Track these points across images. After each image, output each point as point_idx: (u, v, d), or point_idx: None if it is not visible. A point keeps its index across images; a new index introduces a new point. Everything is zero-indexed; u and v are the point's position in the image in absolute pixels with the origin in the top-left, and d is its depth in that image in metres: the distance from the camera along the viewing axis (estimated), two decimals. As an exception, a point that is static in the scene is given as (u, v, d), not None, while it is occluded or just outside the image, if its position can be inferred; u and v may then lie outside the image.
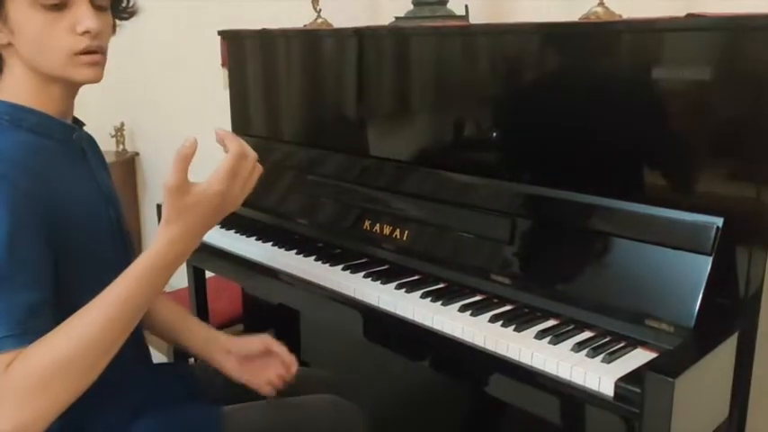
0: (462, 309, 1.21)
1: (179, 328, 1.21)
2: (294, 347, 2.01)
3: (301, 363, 1.96)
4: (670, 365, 0.91)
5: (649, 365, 0.94)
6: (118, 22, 1.06)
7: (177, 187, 0.87)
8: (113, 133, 3.06)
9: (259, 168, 0.95)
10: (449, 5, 1.60)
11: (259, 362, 1.19)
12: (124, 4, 1.05)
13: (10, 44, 0.94)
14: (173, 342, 1.24)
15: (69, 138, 1.00)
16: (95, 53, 0.96)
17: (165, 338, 1.24)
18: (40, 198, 0.88)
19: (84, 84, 0.98)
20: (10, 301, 0.84)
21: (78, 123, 1.05)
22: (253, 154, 0.94)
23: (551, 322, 1.16)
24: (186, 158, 0.87)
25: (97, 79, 0.97)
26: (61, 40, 0.93)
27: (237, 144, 0.93)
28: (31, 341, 0.83)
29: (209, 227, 0.92)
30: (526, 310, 1.21)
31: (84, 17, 0.93)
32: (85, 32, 0.93)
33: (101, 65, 0.98)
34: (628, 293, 1.09)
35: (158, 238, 0.88)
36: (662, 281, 1.06)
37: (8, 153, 0.89)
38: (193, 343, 1.20)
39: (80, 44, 0.94)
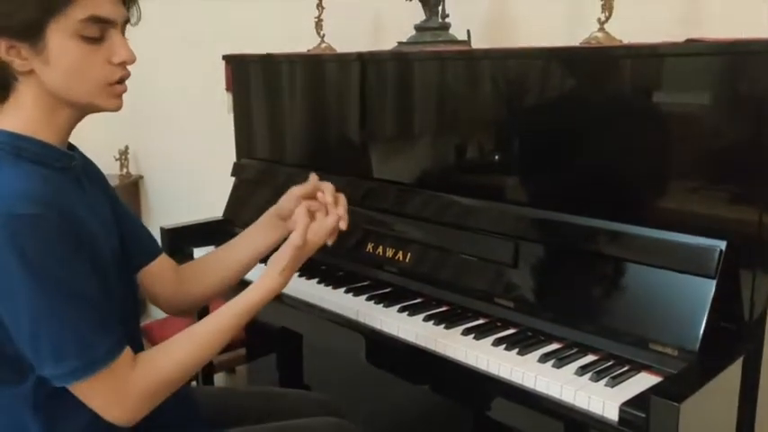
0: (465, 332, 1.21)
1: (223, 268, 1.23)
2: (297, 371, 2.01)
3: (303, 386, 1.97)
4: (675, 390, 0.90)
5: (654, 390, 0.93)
6: None
7: (301, 245, 1.06)
8: (117, 156, 3.07)
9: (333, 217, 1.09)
10: (451, 30, 1.62)
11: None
12: None
13: (31, 71, 0.93)
14: (233, 280, 1.24)
15: (68, 166, 0.99)
16: (123, 83, 0.98)
17: (227, 284, 1.24)
18: (68, 228, 0.90)
19: (106, 111, 0.99)
20: (97, 314, 0.91)
21: (72, 149, 1.04)
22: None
23: (555, 346, 1.15)
24: (308, 225, 1.08)
25: (120, 107, 1.00)
26: (98, 71, 0.94)
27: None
28: (125, 343, 0.94)
29: None
30: (529, 333, 1.20)
31: (121, 48, 0.95)
32: (122, 63, 0.96)
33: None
34: (631, 317, 1.09)
35: (274, 280, 1.05)
36: (666, 304, 1.06)
37: (27, 190, 0.89)
38: (247, 258, 1.22)
39: (116, 74, 0.96)
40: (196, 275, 1.22)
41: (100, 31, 0.93)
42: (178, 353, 0.98)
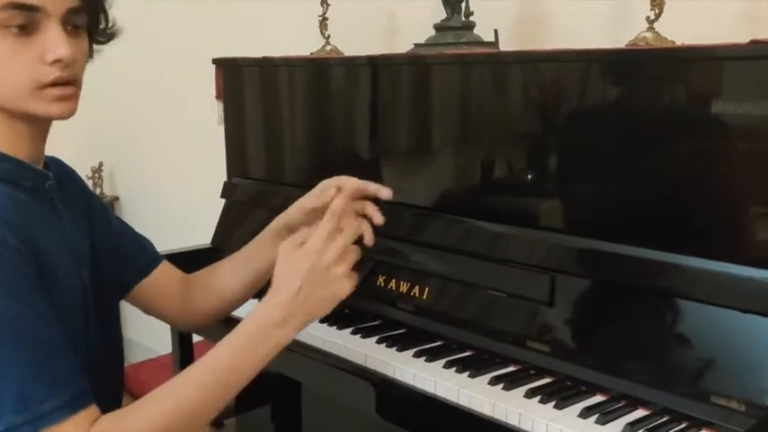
0: (493, 381, 1.20)
1: (236, 278, 1.26)
2: (294, 425, 1.99)
3: (303, 444, 1.95)
4: (742, 451, 0.89)
5: (717, 451, 0.92)
6: (95, 46, 1.06)
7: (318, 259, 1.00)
8: (90, 175, 3.11)
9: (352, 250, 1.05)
10: (476, 30, 1.63)
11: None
12: (102, 26, 1.04)
13: None
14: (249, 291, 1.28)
15: (41, 186, 1.00)
16: (67, 85, 0.95)
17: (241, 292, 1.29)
18: (29, 256, 0.90)
19: (52, 120, 0.98)
20: (50, 361, 0.89)
21: (47, 167, 1.04)
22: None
23: (598, 398, 1.14)
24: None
25: (68, 115, 0.97)
26: (26, 70, 0.91)
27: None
28: (89, 399, 0.91)
29: (311, 300, 1.01)
30: (568, 383, 1.19)
31: (55, 44, 0.91)
32: (56, 61, 0.92)
33: (74, 98, 0.97)
34: (689, 365, 1.08)
35: (261, 303, 1.01)
36: (730, 350, 1.05)
37: None
38: (264, 267, 1.24)
39: (49, 75, 0.92)
40: (205, 288, 1.26)
41: (28, 20, 0.90)
42: (152, 413, 0.93)
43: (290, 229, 1.20)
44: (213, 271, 1.29)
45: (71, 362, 0.91)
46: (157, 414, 0.93)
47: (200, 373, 0.96)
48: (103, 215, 1.20)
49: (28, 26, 0.91)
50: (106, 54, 1.01)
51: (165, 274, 1.25)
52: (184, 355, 1.89)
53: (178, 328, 1.28)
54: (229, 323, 1.46)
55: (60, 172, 1.09)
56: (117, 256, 1.18)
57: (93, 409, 0.91)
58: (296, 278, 0.99)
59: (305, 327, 1.02)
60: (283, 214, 1.24)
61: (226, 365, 0.97)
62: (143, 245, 1.26)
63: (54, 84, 0.93)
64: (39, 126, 1.00)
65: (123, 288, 1.23)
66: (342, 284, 1.01)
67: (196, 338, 1.90)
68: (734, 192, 1.14)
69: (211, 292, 1.27)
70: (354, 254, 1.04)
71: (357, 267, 1.04)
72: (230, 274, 1.27)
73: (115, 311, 1.18)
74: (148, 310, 1.27)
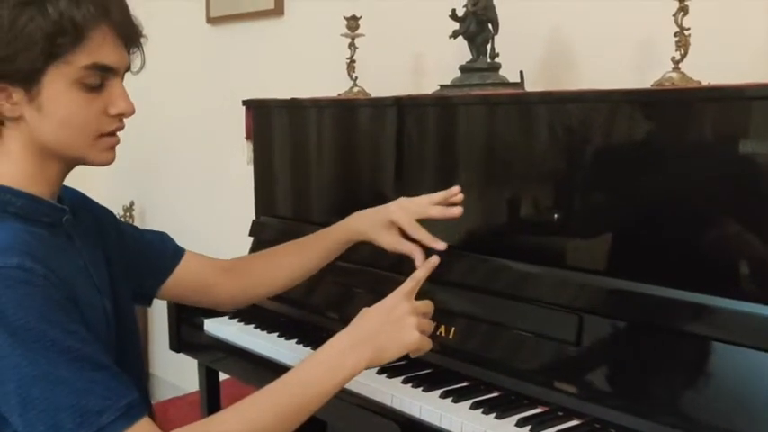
0: (520, 423, 1.18)
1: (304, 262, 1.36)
2: (320, 466, 1.94)
3: (328, 485, 1.92)
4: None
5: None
6: None
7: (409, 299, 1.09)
8: (122, 213, 3.14)
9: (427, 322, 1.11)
10: (501, 71, 1.64)
11: None
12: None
13: (20, 118, 0.97)
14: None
15: (58, 221, 1.03)
16: (116, 135, 1.03)
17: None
18: (58, 282, 0.92)
19: (97, 165, 1.04)
20: (96, 376, 0.89)
21: (61, 200, 1.07)
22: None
23: (628, 441, 1.12)
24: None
25: (112, 161, 1.04)
26: (91, 122, 0.99)
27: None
28: (145, 409, 0.92)
29: (380, 342, 1.05)
30: (597, 425, 1.17)
31: (120, 99, 1.00)
32: (119, 115, 1.01)
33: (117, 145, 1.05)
34: (718, 406, 1.06)
35: (347, 354, 1.04)
36: (759, 391, 1.03)
37: (10, 243, 0.91)
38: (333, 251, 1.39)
39: (110, 126, 1.01)
40: (255, 276, 1.34)
41: (101, 79, 0.98)
42: (231, 425, 0.95)
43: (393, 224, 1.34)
44: (265, 258, 1.37)
45: (118, 375, 0.92)
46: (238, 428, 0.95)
47: (273, 395, 0.98)
48: (114, 228, 1.22)
49: (100, 84, 0.98)
50: (139, 96, 1.04)
51: (189, 269, 1.29)
52: (211, 392, 1.89)
53: (225, 310, 1.44)
54: (267, 366, 1.44)
55: (74, 202, 1.12)
56: (134, 269, 1.21)
57: (147, 421, 0.92)
58: (377, 312, 1.07)
59: (373, 361, 1.04)
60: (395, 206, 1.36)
61: (299, 386, 1.00)
62: (159, 247, 1.29)
63: (110, 134, 1.02)
64: (69, 168, 1.05)
65: (145, 296, 1.28)
66: (411, 334, 1.06)
67: (223, 376, 1.89)
68: (762, 232, 1.12)
69: (264, 280, 1.34)
70: (430, 322, 1.11)
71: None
72: (289, 261, 1.36)
73: (136, 336, 1.20)
74: (186, 302, 1.36)
